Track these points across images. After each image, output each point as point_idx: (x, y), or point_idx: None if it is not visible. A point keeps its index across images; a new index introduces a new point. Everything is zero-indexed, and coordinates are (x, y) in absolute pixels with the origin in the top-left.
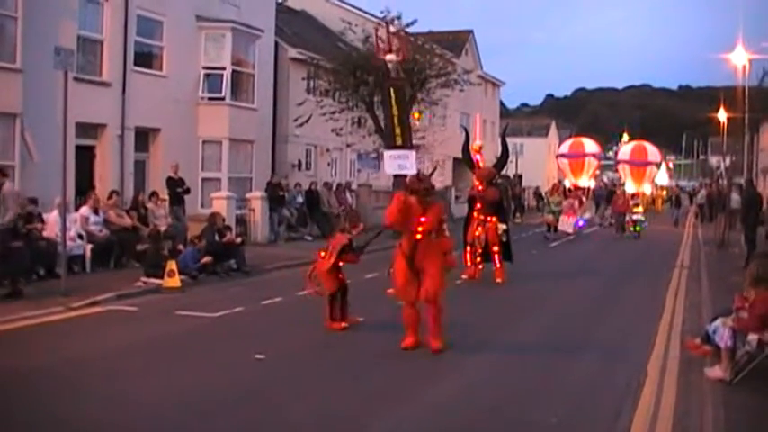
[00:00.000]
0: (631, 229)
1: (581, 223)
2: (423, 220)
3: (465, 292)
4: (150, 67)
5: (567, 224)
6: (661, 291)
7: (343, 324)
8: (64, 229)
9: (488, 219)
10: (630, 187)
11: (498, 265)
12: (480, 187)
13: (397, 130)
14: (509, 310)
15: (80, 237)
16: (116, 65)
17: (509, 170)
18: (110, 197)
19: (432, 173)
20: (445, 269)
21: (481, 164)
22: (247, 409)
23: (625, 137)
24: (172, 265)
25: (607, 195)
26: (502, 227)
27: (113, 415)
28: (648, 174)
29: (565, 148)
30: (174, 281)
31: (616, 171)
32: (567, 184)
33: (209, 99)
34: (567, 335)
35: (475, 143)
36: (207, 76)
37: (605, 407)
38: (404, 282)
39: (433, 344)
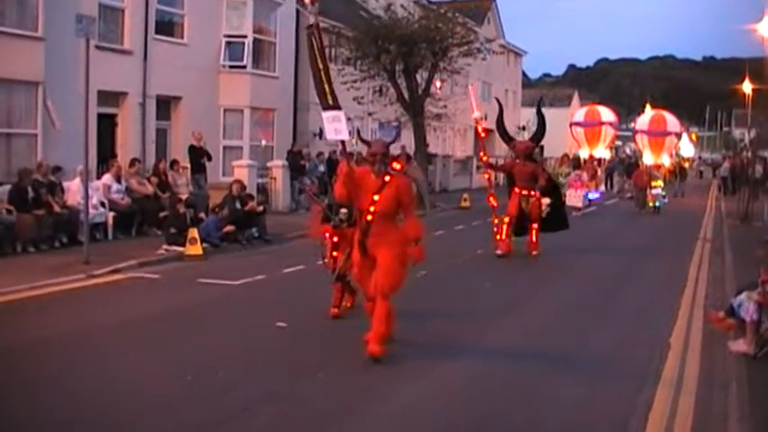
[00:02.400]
0: (650, 204)
1: (595, 196)
2: (376, 198)
3: (491, 265)
4: (172, 35)
5: (575, 198)
6: (683, 264)
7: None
8: (86, 197)
9: (531, 193)
10: (648, 158)
11: (534, 240)
12: (518, 160)
13: (326, 87)
14: (529, 282)
15: (102, 205)
16: (137, 33)
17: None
18: (131, 165)
19: (393, 140)
20: (407, 262)
21: (482, 134)
22: (269, 377)
23: (648, 108)
24: (193, 232)
25: (627, 167)
26: (546, 201)
27: (135, 383)
28: (667, 144)
29: (579, 116)
30: (196, 249)
31: (634, 141)
32: (584, 154)
33: (231, 67)
34: (587, 307)
35: (474, 114)
36: (228, 44)
37: (627, 380)
38: (359, 271)
39: (371, 346)
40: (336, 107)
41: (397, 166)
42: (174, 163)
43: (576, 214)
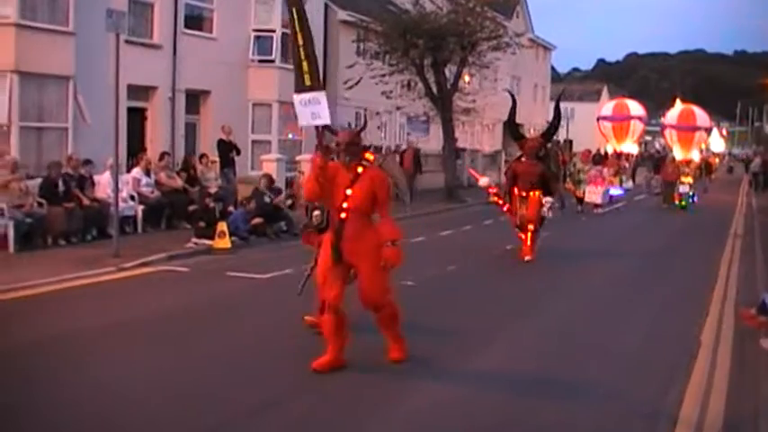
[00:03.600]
0: (676, 203)
1: (618, 192)
2: (348, 192)
3: (508, 267)
4: (201, 29)
5: (595, 194)
6: (714, 261)
7: None
8: (116, 190)
9: (530, 194)
10: (678, 154)
11: (529, 244)
12: (523, 159)
13: (305, 66)
14: (555, 279)
15: (132, 198)
16: (167, 27)
17: (560, 135)
18: (161, 159)
19: (362, 128)
20: (384, 265)
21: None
22: (298, 371)
23: (677, 103)
24: (222, 226)
25: (655, 162)
26: (547, 200)
27: (164, 375)
28: (697, 139)
29: (607, 109)
30: (225, 242)
31: (663, 136)
32: (610, 149)
33: (260, 62)
34: (614, 304)
35: (481, 181)
36: (257, 38)
37: (657, 376)
38: (324, 275)
39: (392, 353)
40: (317, 88)
41: (369, 157)
42: (203, 157)
43: (597, 211)
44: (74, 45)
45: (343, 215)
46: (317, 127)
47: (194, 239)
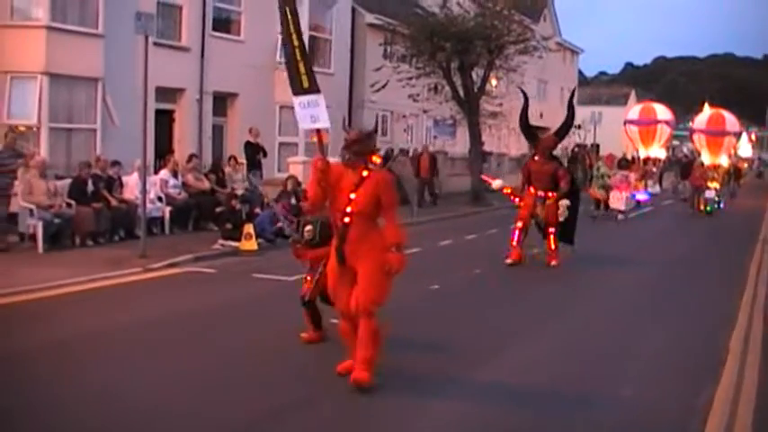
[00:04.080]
0: (702, 208)
1: (643, 197)
2: (353, 196)
3: (533, 271)
4: (228, 32)
5: (618, 200)
6: (741, 266)
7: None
8: (144, 191)
9: (547, 194)
10: (706, 158)
11: (553, 247)
12: (536, 157)
13: (301, 67)
14: (575, 287)
15: (159, 199)
16: (195, 30)
17: (587, 139)
18: (188, 160)
19: (375, 129)
20: (388, 271)
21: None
22: (323, 374)
23: (706, 107)
24: (249, 228)
25: (682, 167)
26: (564, 203)
27: (191, 375)
28: (726, 144)
29: (634, 113)
30: (251, 244)
31: (691, 141)
32: (642, 154)
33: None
34: (641, 308)
35: (494, 183)
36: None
37: (685, 383)
38: (333, 283)
39: (355, 372)
40: (314, 90)
41: (376, 159)
42: (231, 159)
43: (620, 218)
44: (103, 47)
45: (346, 219)
46: (318, 130)
47: (221, 241)
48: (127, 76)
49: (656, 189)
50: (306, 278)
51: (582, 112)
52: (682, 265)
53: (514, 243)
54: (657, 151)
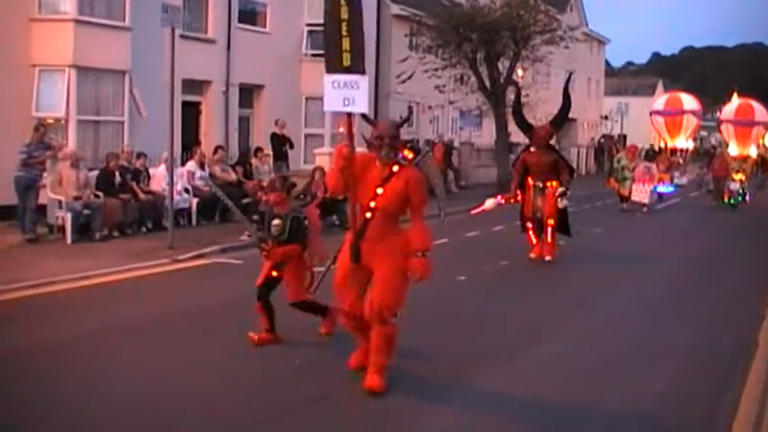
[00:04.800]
0: (726, 200)
1: (668, 189)
2: (379, 191)
3: (557, 264)
4: (254, 24)
5: (641, 192)
6: None
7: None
8: (171, 183)
9: (546, 184)
10: (734, 149)
11: (550, 241)
12: (532, 149)
13: (345, 43)
14: (599, 282)
15: (186, 191)
16: (221, 22)
17: (613, 130)
18: (215, 152)
19: (405, 120)
20: (408, 277)
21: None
22: (333, 370)
23: (734, 97)
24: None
25: (710, 158)
26: (560, 189)
27: (219, 365)
28: (754, 134)
29: (660, 104)
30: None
31: (719, 132)
32: (669, 145)
33: (312, 56)
34: (666, 303)
35: (486, 205)
36: (310, 32)
37: (713, 378)
38: (342, 279)
39: (368, 379)
40: (358, 70)
41: (408, 154)
42: (257, 150)
43: (643, 211)
44: (130, 40)
45: (368, 215)
46: (349, 114)
47: (248, 232)
48: (154, 69)
49: (683, 181)
50: (263, 266)
51: (608, 103)
52: (707, 260)
53: (534, 240)
54: (684, 142)
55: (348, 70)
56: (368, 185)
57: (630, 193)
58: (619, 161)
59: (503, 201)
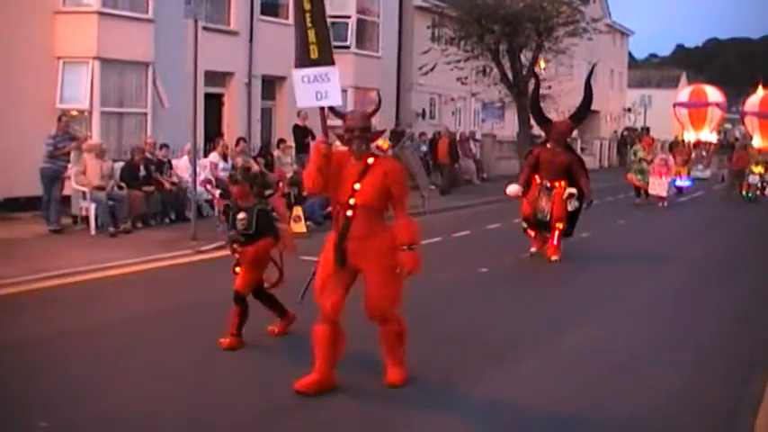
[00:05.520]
0: (744, 193)
1: (686, 183)
2: (357, 187)
3: (578, 255)
4: (276, 15)
5: (659, 185)
6: None
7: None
8: (194, 174)
9: (555, 184)
10: (757, 141)
11: (555, 243)
12: (549, 145)
13: (311, 35)
14: (618, 277)
15: (209, 182)
16: (243, 14)
17: (636, 122)
18: (237, 144)
19: (375, 110)
20: (400, 272)
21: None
22: (369, 354)
23: (759, 89)
24: (298, 210)
25: (730, 151)
26: (569, 191)
27: (241, 355)
28: None
29: (684, 95)
30: (300, 226)
31: (742, 124)
32: (687, 137)
33: (334, 47)
34: (688, 298)
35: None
36: (332, 24)
37: (735, 372)
38: (323, 280)
39: (390, 374)
40: (326, 62)
41: (382, 144)
42: (280, 142)
43: (662, 205)
44: (153, 32)
45: (349, 213)
46: (321, 109)
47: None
48: (176, 61)
49: (707, 174)
50: (235, 269)
51: (632, 95)
52: (728, 255)
53: (532, 234)
54: (708, 135)
55: (317, 63)
56: (346, 182)
57: (648, 186)
58: (635, 153)
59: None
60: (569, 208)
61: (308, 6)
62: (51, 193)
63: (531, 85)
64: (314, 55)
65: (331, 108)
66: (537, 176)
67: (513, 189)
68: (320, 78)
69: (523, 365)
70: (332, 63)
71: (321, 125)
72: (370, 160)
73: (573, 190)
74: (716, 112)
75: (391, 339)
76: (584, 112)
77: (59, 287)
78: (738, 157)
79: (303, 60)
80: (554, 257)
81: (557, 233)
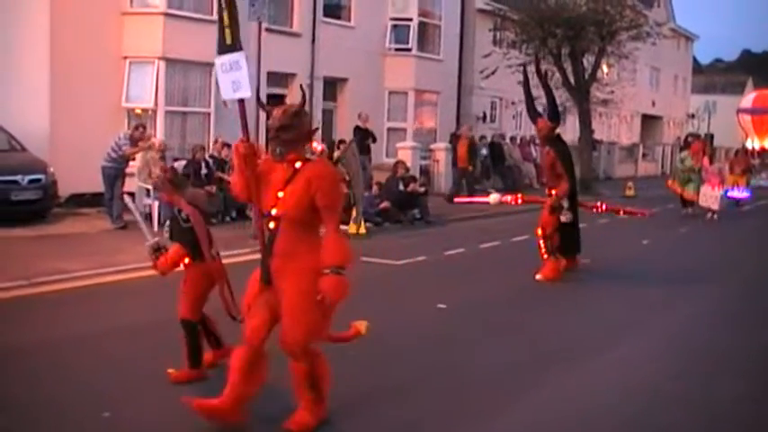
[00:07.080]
0: None
1: (742, 195)
2: (280, 195)
3: (631, 266)
4: (339, 17)
5: (710, 197)
6: None
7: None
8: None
9: (550, 192)
10: None
11: (543, 257)
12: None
13: (225, 19)
14: (666, 289)
15: None
16: (306, 16)
17: (700, 129)
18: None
19: (302, 104)
20: (321, 300)
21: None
22: (428, 355)
23: None
24: (355, 211)
25: None
26: (553, 200)
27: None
28: None
29: (747, 102)
30: (360, 227)
31: None
32: (751, 145)
33: (396, 50)
34: (736, 312)
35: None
36: (394, 27)
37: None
38: (250, 298)
39: (296, 417)
40: (236, 47)
41: (317, 146)
42: (341, 142)
43: (712, 218)
44: (217, 33)
45: (271, 225)
46: (240, 102)
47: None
48: None
49: (765, 181)
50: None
51: (695, 101)
52: None
53: (545, 255)
54: None
55: (231, 49)
56: (270, 190)
57: (697, 196)
58: (682, 161)
59: (512, 201)
60: (563, 219)
61: None
62: (113, 191)
63: (596, 91)
64: (229, 40)
65: (258, 100)
66: (547, 188)
67: (494, 198)
68: (233, 66)
69: (588, 365)
70: (239, 48)
71: (240, 118)
72: (298, 164)
73: (558, 200)
74: None
75: (300, 379)
76: (555, 108)
77: (124, 282)
78: None
79: (221, 46)
80: (538, 276)
81: (541, 242)
